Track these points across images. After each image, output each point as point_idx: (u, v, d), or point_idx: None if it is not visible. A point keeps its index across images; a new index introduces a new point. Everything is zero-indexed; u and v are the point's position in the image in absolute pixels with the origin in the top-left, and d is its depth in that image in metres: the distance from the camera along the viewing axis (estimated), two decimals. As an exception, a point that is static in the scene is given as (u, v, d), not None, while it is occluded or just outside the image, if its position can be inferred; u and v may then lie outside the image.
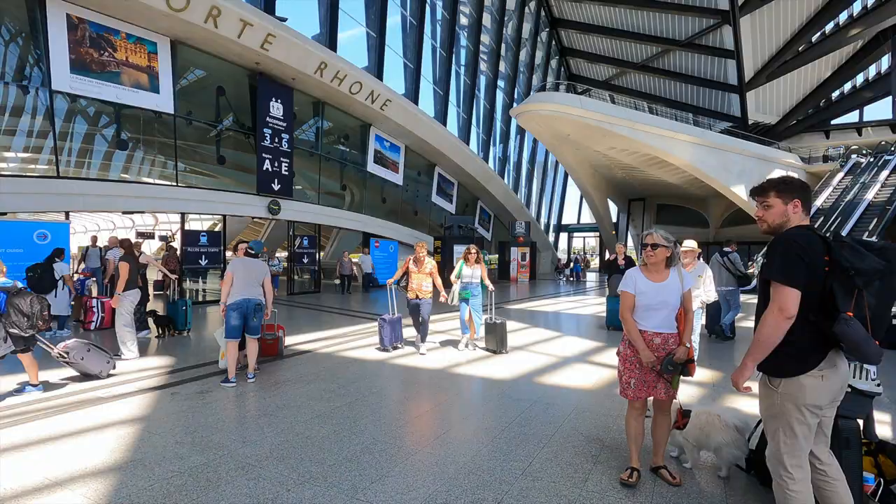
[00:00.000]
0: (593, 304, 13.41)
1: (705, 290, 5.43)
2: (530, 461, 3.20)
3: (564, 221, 42.61)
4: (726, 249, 8.02)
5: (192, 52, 11.56)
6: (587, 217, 40.58)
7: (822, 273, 1.87)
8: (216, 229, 13.81)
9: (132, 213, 13.87)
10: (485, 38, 26.18)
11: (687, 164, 21.60)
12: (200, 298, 12.48)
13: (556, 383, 5.22)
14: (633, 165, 24.63)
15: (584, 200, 38.68)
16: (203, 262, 11.85)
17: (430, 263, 6.52)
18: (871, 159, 24.08)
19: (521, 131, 31.43)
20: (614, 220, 35.30)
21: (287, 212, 13.94)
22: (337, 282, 16.15)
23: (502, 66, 28.61)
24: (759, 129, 28.23)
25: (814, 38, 25.18)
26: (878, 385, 2.37)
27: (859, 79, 28.11)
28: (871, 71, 27.63)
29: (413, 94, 19.53)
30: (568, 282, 24.32)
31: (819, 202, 22.25)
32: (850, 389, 2.36)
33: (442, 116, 21.92)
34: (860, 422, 2.41)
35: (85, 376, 5.04)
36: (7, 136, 9.88)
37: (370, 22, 17.37)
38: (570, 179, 36.78)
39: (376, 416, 4.09)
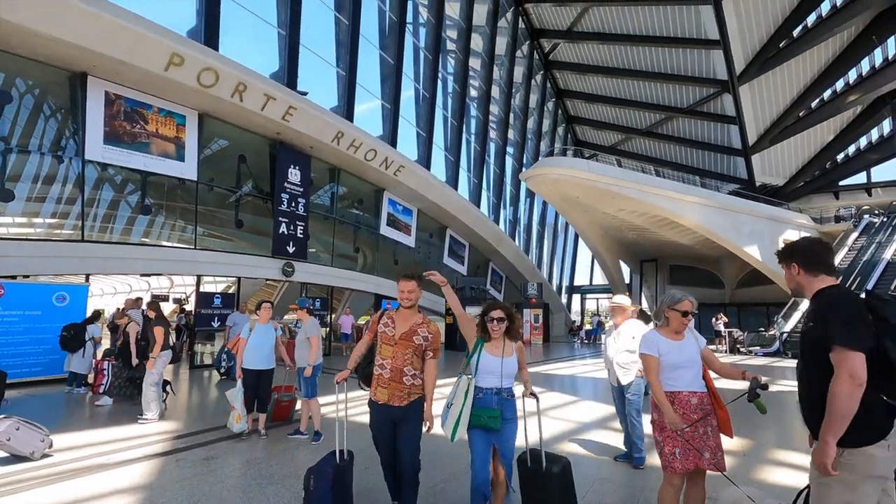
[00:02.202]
0: (610, 368, 13.00)
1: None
2: (552, 537, 2.97)
3: (577, 283, 42.33)
4: None
5: (217, 124, 12.24)
6: (599, 278, 40.33)
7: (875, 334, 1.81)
8: (230, 291, 13.94)
9: (150, 275, 14.11)
10: (494, 109, 27.46)
11: (697, 224, 21.69)
12: (209, 361, 12.34)
13: (575, 451, 4.96)
14: (643, 227, 24.78)
15: (595, 262, 38.62)
16: (216, 324, 11.85)
17: (426, 329, 3.10)
18: (885, 219, 23.99)
19: (530, 194, 32.08)
20: (627, 281, 34.99)
21: (301, 274, 14.08)
22: None
23: (511, 134, 29.76)
24: (768, 191, 28.50)
25: (813, 105, 26.00)
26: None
27: (863, 141, 28.63)
28: (874, 134, 28.19)
29: (426, 160, 20.24)
30: (583, 344, 23.77)
31: (836, 262, 21.92)
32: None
33: (453, 181, 22.56)
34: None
35: (15, 457, 4.37)
36: (37, 202, 10.34)
37: (385, 95, 18.40)
38: (580, 241, 36.97)
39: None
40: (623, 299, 4.79)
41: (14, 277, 8.95)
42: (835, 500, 1.85)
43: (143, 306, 9.24)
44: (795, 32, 22.93)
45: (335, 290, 16.63)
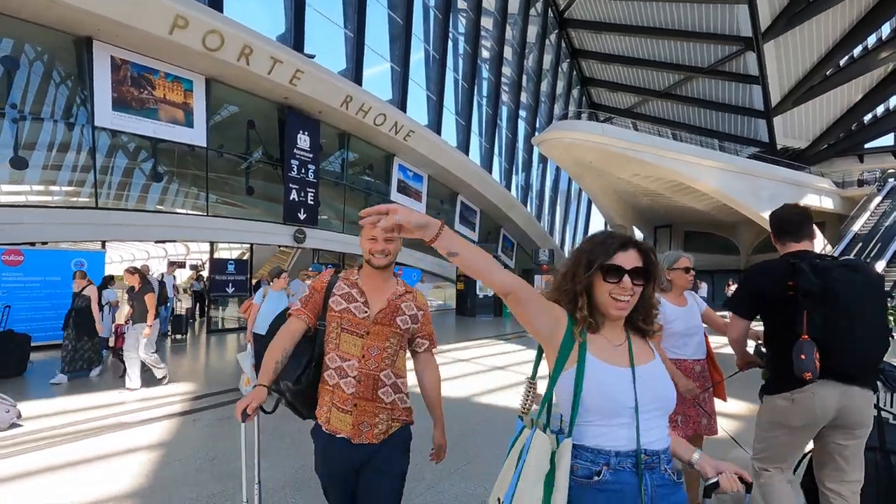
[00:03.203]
0: (620, 333, 13.06)
1: None
2: (556, 496, 3.05)
3: (589, 249, 42.13)
4: None
5: (224, 89, 12.10)
6: (612, 244, 40.06)
7: (784, 299, 1.97)
8: (244, 258, 14.14)
9: (164, 242, 14.33)
10: (506, 70, 26.70)
11: (714, 190, 21.21)
12: (227, 326, 12.66)
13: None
14: (658, 192, 24.33)
15: (608, 227, 38.25)
16: (230, 290, 12.07)
17: (412, 303, 1.83)
18: (910, 183, 23.24)
19: (543, 160, 31.55)
20: (640, 247, 34.66)
21: (312, 240, 14.18)
22: None
23: (524, 97, 29.02)
24: (789, 154, 27.64)
25: (842, 62, 24.80)
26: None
27: (892, 101, 27.38)
28: (905, 93, 26.91)
29: (436, 124, 19.91)
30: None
31: (856, 228, 21.46)
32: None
33: (464, 146, 22.23)
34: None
35: None
36: (54, 170, 10.44)
37: (395, 57, 17.95)
38: (594, 206, 36.52)
39: None
40: None
41: (33, 244, 9.15)
42: (760, 435, 2.17)
43: (155, 273, 9.42)
44: (827, -16, 21.65)
45: (347, 256, 16.77)
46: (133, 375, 5.82)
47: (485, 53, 25.10)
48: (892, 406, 2.24)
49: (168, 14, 9.39)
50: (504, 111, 27.32)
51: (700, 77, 28.95)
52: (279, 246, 14.91)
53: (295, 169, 13.34)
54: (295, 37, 13.46)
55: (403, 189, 18.02)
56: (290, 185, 13.28)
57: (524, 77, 28.15)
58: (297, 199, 13.47)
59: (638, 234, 33.16)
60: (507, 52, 26.35)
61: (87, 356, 6.57)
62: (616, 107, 35.88)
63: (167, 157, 11.73)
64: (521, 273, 25.43)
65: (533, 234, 26.65)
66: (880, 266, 17.78)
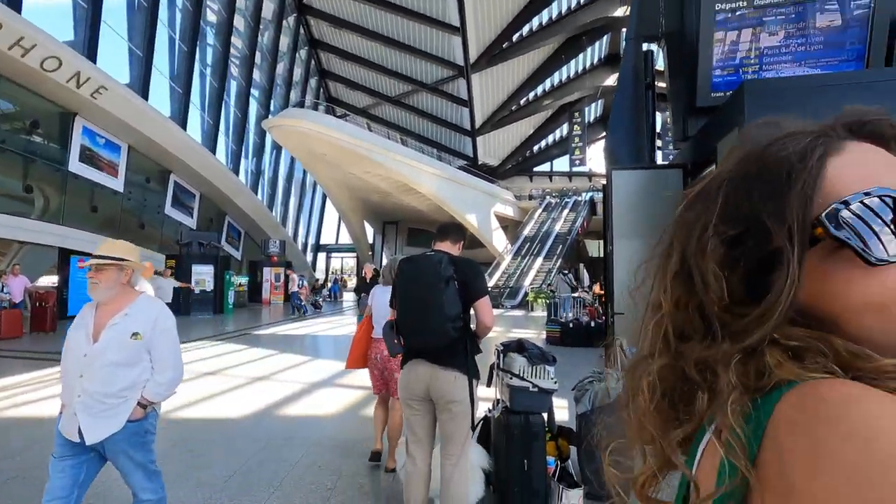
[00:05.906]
0: (349, 325, 13.50)
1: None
2: (256, 513, 2.82)
3: (323, 241, 42.30)
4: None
5: None
6: (346, 237, 41.26)
7: None
8: None
9: None
10: (237, 42, 24.20)
11: (432, 193, 24.19)
12: None
13: (299, 414, 4.90)
14: (387, 191, 26.23)
15: (342, 221, 39.23)
16: None
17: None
18: (558, 200, 31.63)
19: (277, 146, 29.97)
20: (371, 241, 36.83)
21: (-79, 217, 9.78)
22: None
23: (257, 75, 26.90)
24: (486, 169, 33.88)
25: (521, 102, 31.82)
26: (555, 382, 2.89)
27: (551, 138, 36.77)
28: (557, 133, 36.54)
29: (142, 86, 16.46)
30: (325, 302, 24.03)
31: (526, 231, 27.91)
32: (535, 389, 2.82)
33: (181, 118, 19.08)
34: (544, 416, 2.89)
35: None
36: None
37: (80, -12, 13.99)
38: (329, 199, 36.86)
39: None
40: (123, 247, 2.18)
41: None
42: None
43: None
44: (514, 38, 27.34)
45: (-9, 241, 12.26)
46: None
47: (211, 16, 22.15)
48: (532, 376, 2.82)
49: None
50: (233, 86, 24.74)
51: (424, 92, 32.54)
52: None
53: None
54: None
55: (90, 158, 14.28)
56: None
57: (258, 54, 26.09)
58: None
59: (368, 229, 35.16)
60: (239, 22, 23.92)
61: None
62: (353, 105, 36.96)
63: None
64: (249, 265, 23.63)
65: (263, 224, 25.06)
66: (538, 261, 23.62)
